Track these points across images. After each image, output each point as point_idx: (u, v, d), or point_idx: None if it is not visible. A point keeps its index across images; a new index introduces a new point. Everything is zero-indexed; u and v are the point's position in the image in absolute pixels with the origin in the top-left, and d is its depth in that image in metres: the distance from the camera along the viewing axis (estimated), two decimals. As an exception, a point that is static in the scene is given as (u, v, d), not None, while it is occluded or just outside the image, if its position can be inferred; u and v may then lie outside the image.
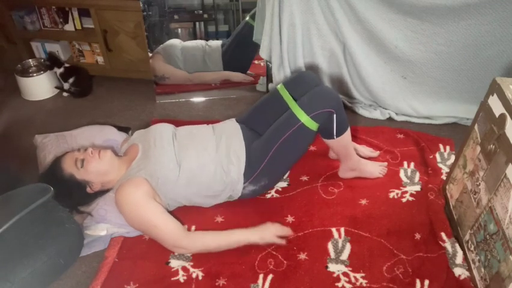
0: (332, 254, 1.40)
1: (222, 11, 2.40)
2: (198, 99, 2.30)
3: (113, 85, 2.42)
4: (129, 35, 2.24)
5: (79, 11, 2.29)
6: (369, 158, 1.78)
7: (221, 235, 1.40)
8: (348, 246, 1.42)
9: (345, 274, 1.34)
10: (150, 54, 2.22)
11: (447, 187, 1.58)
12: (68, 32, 2.36)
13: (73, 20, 2.32)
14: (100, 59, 2.40)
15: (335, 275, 1.33)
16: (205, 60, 2.35)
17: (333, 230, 1.48)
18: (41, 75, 2.31)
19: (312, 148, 1.85)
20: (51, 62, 2.29)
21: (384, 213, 1.54)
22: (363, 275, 1.33)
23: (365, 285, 1.30)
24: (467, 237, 1.36)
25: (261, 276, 1.34)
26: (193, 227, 1.51)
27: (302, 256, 1.40)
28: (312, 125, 1.45)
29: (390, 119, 2.07)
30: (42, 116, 2.20)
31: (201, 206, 1.55)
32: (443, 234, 1.42)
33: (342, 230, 1.48)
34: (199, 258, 1.39)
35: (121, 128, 1.91)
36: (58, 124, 2.06)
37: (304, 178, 1.71)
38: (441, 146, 1.87)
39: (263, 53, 2.06)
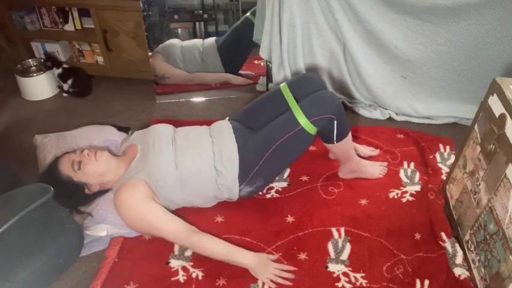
0: (332, 254, 1.40)
1: (222, 11, 2.40)
2: (197, 99, 2.30)
3: (113, 85, 2.42)
4: (129, 35, 2.23)
5: (78, 11, 2.28)
6: (370, 157, 1.78)
7: (225, 250, 1.36)
8: (348, 246, 1.42)
9: (345, 274, 1.34)
10: (150, 54, 2.22)
11: (447, 187, 1.58)
12: (68, 32, 2.36)
13: (73, 20, 2.32)
14: (100, 59, 2.39)
15: (334, 275, 1.33)
16: (203, 58, 2.35)
17: (333, 230, 1.48)
18: (41, 75, 2.31)
19: (312, 148, 1.84)
20: (49, 62, 2.29)
21: (384, 213, 1.54)
22: (363, 275, 1.33)
23: (365, 285, 1.30)
24: (467, 237, 1.36)
25: (261, 276, 1.33)
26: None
27: (302, 256, 1.40)
28: (311, 129, 1.44)
29: (390, 119, 2.07)
30: (42, 116, 2.20)
31: (199, 207, 1.55)
32: (443, 234, 1.42)
33: (342, 230, 1.48)
34: (199, 258, 1.39)
35: (121, 128, 1.90)
36: (58, 124, 2.06)
37: (304, 178, 1.71)
38: (441, 146, 1.87)
39: (263, 53, 2.06)
